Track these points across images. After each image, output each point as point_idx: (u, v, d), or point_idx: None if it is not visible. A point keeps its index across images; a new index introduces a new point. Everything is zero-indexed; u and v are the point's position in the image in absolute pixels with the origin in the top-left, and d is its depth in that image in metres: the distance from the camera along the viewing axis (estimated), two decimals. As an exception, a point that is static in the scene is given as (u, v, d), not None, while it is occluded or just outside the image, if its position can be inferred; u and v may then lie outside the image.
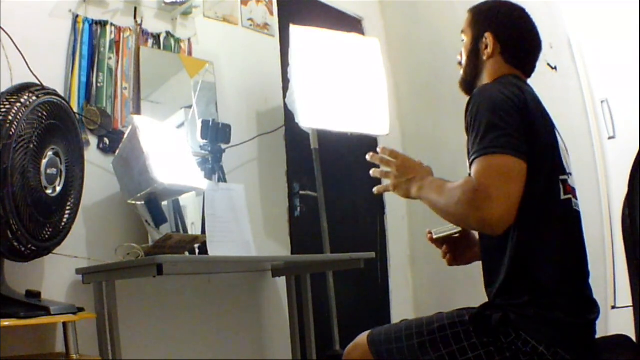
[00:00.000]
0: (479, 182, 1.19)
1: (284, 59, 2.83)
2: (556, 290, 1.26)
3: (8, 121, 1.52)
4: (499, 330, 1.24)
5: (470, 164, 1.25)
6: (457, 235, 1.53)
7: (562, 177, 1.33)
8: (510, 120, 1.25)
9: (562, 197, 1.32)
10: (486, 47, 1.48)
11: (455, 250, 1.55)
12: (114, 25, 2.24)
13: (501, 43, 1.46)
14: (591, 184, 2.58)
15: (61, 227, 1.76)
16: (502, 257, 1.30)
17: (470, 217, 1.20)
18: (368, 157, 1.50)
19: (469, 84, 1.52)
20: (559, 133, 1.44)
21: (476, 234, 1.52)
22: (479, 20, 1.51)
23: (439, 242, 1.56)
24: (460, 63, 1.57)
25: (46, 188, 1.65)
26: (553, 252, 1.27)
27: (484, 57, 1.48)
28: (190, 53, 2.51)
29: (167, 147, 2.05)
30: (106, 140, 2.16)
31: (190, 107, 2.43)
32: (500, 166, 1.20)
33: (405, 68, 3.55)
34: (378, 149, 1.50)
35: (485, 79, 1.48)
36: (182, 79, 2.45)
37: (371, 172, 1.51)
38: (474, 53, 1.51)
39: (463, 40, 1.55)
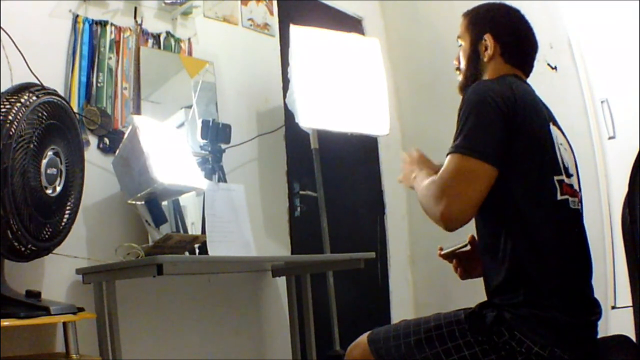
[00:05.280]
0: (439, 180, 1.28)
1: (284, 59, 2.83)
2: (552, 290, 1.26)
3: (8, 121, 1.52)
4: (492, 329, 1.24)
5: (446, 158, 1.30)
6: (466, 249, 1.54)
7: (557, 178, 1.32)
8: (491, 122, 1.27)
9: (559, 197, 1.31)
10: (486, 49, 1.48)
11: (466, 264, 1.56)
12: (114, 25, 2.24)
13: (500, 44, 1.47)
14: (591, 184, 2.58)
15: (61, 227, 1.76)
16: (497, 258, 1.31)
17: (430, 212, 1.29)
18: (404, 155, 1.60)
19: (469, 87, 1.52)
20: (563, 133, 1.44)
21: None
22: (477, 23, 1.51)
23: (448, 257, 1.57)
24: (458, 68, 1.57)
25: (46, 188, 1.65)
26: (548, 253, 1.27)
27: (485, 59, 1.49)
28: (190, 53, 2.51)
29: (167, 147, 2.05)
30: (106, 140, 2.16)
31: (190, 107, 2.43)
32: (463, 167, 1.25)
33: (405, 68, 3.55)
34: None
35: None
36: (182, 79, 2.45)
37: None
38: (474, 56, 1.51)
39: (460, 46, 1.56)
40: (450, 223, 1.25)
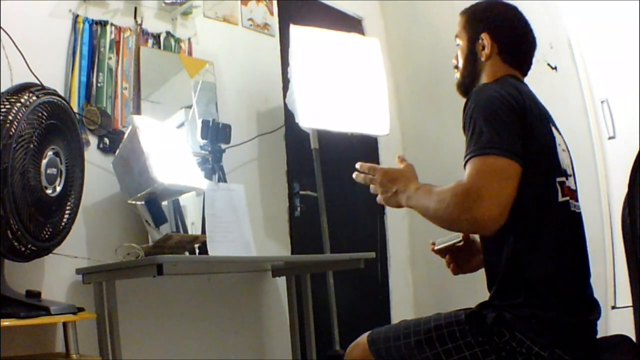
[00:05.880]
0: (470, 183, 1.20)
1: (284, 59, 2.83)
2: (552, 291, 1.26)
3: (8, 121, 1.52)
4: (493, 330, 1.24)
5: (465, 164, 1.25)
6: (459, 244, 1.53)
7: (559, 180, 1.32)
8: (507, 120, 1.24)
9: (560, 199, 1.31)
10: (483, 48, 1.47)
11: (459, 259, 1.55)
12: (114, 25, 2.24)
13: (498, 43, 1.46)
14: (591, 184, 2.58)
15: (61, 227, 1.76)
16: (499, 259, 1.30)
17: (462, 219, 1.20)
18: (354, 176, 1.50)
19: (466, 86, 1.51)
20: (560, 134, 1.44)
21: (478, 240, 1.52)
22: (474, 22, 1.50)
23: (442, 252, 1.56)
24: (456, 67, 1.56)
25: (46, 188, 1.65)
26: (549, 254, 1.27)
27: (482, 59, 1.48)
28: (190, 53, 2.51)
29: (167, 147, 2.05)
30: (106, 140, 2.16)
31: (190, 107, 2.43)
32: (493, 167, 1.20)
33: (405, 68, 3.55)
34: (357, 165, 1.49)
35: (484, 80, 1.47)
36: (182, 79, 2.45)
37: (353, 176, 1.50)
38: (472, 55, 1.50)
39: (458, 45, 1.54)
40: (489, 227, 1.18)
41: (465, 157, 1.25)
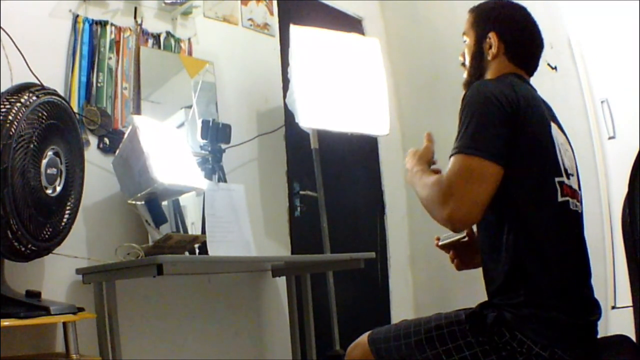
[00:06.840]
0: (446, 181, 1.25)
1: (284, 59, 2.84)
2: (553, 291, 1.26)
3: (8, 121, 1.52)
4: (493, 330, 1.24)
5: (449, 157, 1.28)
6: (464, 240, 1.53)
7: (558, 179, 1.32)
8: (495, 121, 1.26)
9: (559, 199, 1.31)
10: (490, 47, 1.47)
11: (463, 255, 1.55)
12: (114, 25, 2.24)
13: (505, 43, 1.46)
14: (591, 184, 2.58)
15: (61, 227, 1.76)
16: (498, 258, 1.31)
17: (436, 214, 1.26)
18: None
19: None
20: (564, 133, 1.43)
21: None
22: (482, 21, 1.51)
23: (446, 248, 1.56)
24: (463, 64, 1.56)
25: (46, 188, 1.65)
26: (548, 254, 1.27)
27: (489, 58, 1.48)
28: (190, 53, 2.51)
29: (167, 147, 2.05)
30: (106, 140, 2.16)
31: (190, 107, 2.43)
32: (469, 167, 1.23)
33: (405, 68, 3.55)
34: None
35: (488, 78, 1.48)
36: (182, 79, 2.45)
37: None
38: (478, 54, 1.50)
39: (465, 42, 1.55)
40: (457, 225, 1.24)
41: (451, 152, 1.28)
